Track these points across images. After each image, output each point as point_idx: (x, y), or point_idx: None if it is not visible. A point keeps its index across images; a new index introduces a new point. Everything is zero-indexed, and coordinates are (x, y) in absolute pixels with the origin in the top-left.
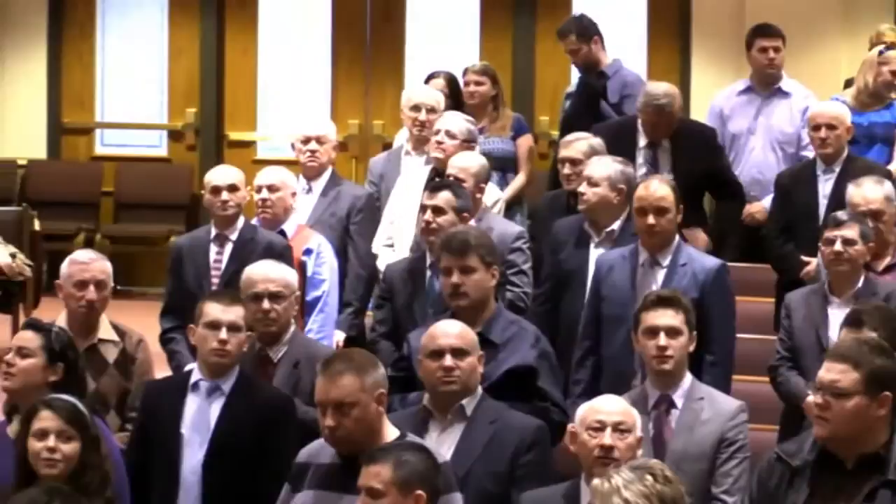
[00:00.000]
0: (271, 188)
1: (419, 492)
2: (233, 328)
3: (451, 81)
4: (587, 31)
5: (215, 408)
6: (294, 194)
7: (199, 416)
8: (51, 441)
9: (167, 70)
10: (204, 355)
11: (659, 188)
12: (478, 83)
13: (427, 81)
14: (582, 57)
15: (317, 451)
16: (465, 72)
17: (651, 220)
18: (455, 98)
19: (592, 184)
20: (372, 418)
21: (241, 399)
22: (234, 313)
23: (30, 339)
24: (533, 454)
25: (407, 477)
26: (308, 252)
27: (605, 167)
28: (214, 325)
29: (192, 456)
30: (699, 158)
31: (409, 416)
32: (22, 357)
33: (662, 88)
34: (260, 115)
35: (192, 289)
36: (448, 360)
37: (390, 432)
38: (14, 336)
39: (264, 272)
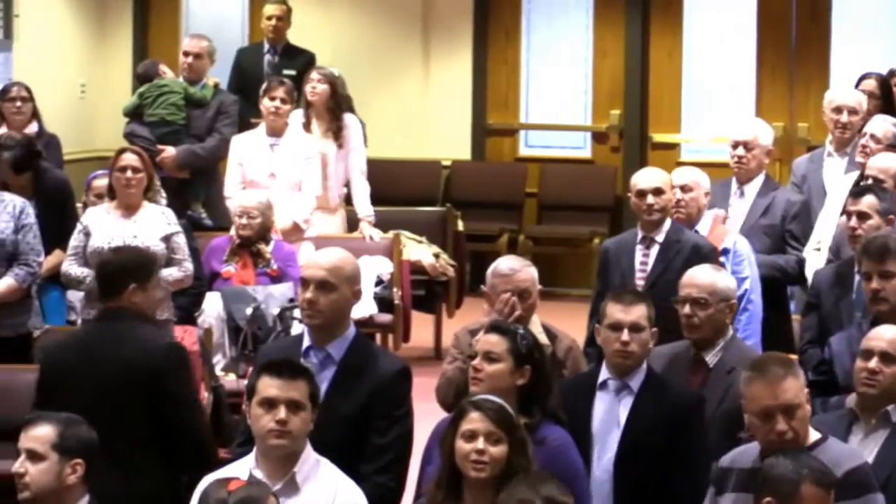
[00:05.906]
0: (684, 188)
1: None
2: (634, 329)
3: (883, 83)
4: None
5: (624, 406)
6: (707, 194)
7: (608, 415)
8: (479, 443)
9: (591, 72)
10: (608, 356)
11: None
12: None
13: (858, 83)
14: None
15: (739, 455)
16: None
17: None
18: (887, 100)
19: None
20: (807, 418)
21: (649, 397)
22: (636, 314)
23: (496, 342)
24: None
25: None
26: (725, 252)
27: None
28: (616, 327)
29: (603, 454)
30: None
31: (833, 420)
32: (489, 362)
33: None
34: (684, 117)
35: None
36: (872, 363)
37: (811, 434)
38: (481, 339)
39: (690, 277)
